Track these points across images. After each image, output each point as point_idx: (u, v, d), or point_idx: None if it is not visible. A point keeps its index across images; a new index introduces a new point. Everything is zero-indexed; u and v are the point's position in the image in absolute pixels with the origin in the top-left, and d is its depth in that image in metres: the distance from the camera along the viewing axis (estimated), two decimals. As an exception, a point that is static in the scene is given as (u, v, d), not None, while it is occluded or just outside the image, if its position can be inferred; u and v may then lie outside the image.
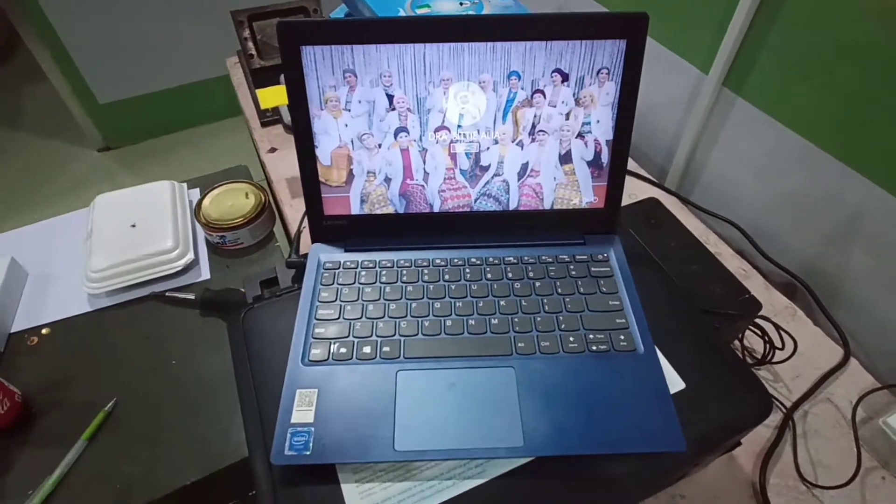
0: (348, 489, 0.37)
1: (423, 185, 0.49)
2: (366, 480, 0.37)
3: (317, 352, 0.42)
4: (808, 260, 0.68)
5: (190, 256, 0.76)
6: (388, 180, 0.49)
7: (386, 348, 0.42)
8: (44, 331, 0.70)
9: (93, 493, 0.57)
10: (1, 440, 0.60)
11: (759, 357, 0.57)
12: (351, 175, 0.48)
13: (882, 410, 0.54)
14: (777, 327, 0.55)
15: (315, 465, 0.37)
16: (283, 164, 0.86)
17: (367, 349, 0.42)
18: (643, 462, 0.37)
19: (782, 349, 0.55)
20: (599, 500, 0.37)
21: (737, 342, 0.58)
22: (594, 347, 0.42)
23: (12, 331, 0.70)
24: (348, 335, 0.43)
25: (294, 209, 0.80)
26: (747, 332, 0.59)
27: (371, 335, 0.43)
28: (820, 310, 0.64)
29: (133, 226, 0.76)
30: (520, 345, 0.42)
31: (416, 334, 0.43)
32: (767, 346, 0.56)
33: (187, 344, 0.69)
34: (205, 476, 0.58)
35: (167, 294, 0.73)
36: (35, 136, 2.11)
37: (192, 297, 0.72)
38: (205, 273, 0.77)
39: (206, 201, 0.80)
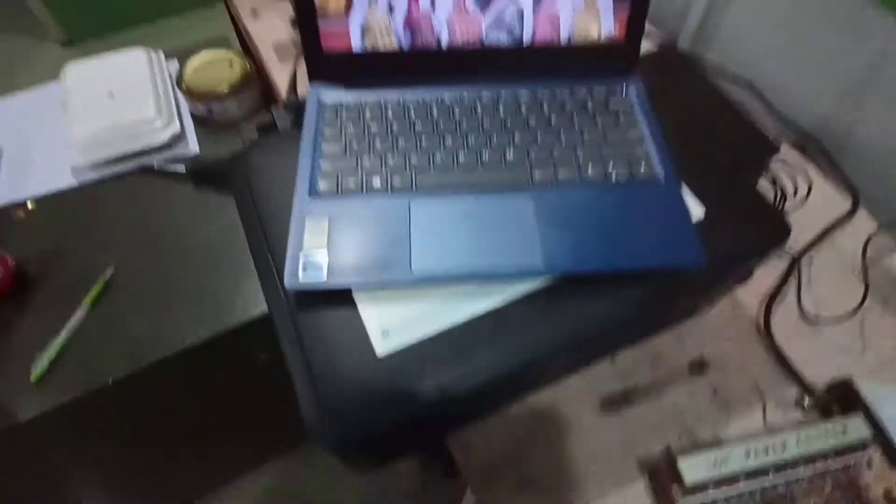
0: (366, 312, 0.36)
1: (429, 14, 0.44)
2: (383, 301, 0.36)
3: (324, 185, 0.40)
4: (822, 116, 0.65)
5: (175, 127, 0.71)
6: (391, 8, 0.44)
7: (396, 181, 0.40)
8: (30, 205, 0.67)
9: (102, 354, 0.57)
10: (1, 307, 0.59)
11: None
12: (350, 2, 0.44)
13: (887, 255, 0.55)
14: (791, 170, 0.54)
15: (331, 289, 0.36)
16: (268, 29, 0.79)
17: (377, 182, 0.40)
18: (663, 280, 0.37)
19: (795, 196, 0.55)
20: (619, 319, 0.37)
21: (747, 195, 0.57)
22: (614, 176, 0.41)
23: (-4, 205, 0.67)
24: (356, 169, 0.41)
25: (285, 73, 0.74)
26: (760, 182, 0.58)
27: (380, 169, 0.41)
28: (831, 164, 0.63)
29: (111, 95, 0.71)
30: (537, 175, 0.41)
31: (428, 167, 0.41)
32: (779, 195, 0.55)
33: (182, 216, 0.67)
34: (214, 335, 0.58)
35: (156, 167, 0.70)
36: (-11, 31, 1.94)
37: (183, 170, 0.69)
38: (193, 147, 0.73)
39: (187, 70, 0.74)
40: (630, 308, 0.37)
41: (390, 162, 0.41)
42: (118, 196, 0.68)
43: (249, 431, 0.93)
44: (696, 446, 0.45)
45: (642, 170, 0.41)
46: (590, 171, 0.41)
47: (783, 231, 0.40)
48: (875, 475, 0.42)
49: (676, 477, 0.41)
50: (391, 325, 0.36)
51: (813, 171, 0.63)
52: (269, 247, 0.39)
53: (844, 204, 0.60)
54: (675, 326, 0.52)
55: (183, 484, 1.01)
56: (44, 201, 0.67)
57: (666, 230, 0.38)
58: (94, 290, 0.60)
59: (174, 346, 0.57)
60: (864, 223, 0.59)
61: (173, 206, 0.68)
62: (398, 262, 0.36)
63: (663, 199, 0.39)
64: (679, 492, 0.41)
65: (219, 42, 0.81)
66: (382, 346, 0.35)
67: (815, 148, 0.64)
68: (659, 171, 0.41)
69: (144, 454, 0.78)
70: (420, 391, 0.33)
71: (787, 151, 0.64)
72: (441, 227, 0.38)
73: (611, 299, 0.37)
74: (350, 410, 0.33)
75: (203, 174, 0.68)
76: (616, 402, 0.48)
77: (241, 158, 0.44)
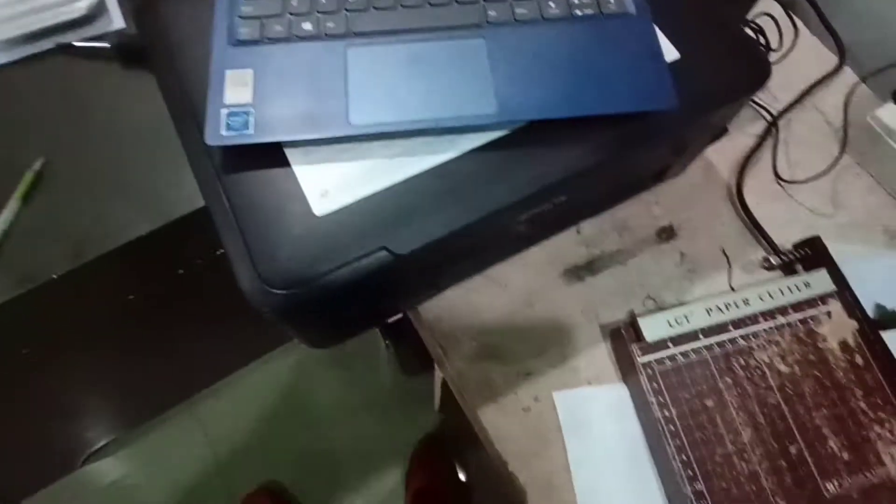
0: (301, 170, 0.33)
1: None
2: (321, 160, 0.33)
3: (246, 31, 0.35)
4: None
5: (92, -3, 0.62)
6: None
7: (330, 24, 0.35)
8: (-64, 91, 0.60)
9: (40, 249, 0.53)
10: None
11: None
12: None
13: (868, 111, 0.52)
14: (777, 17, 0.49)
15: (259, 144, 0.32)
16: None
17: (307, 26, 0.35)
18: (632, 125, 0.34)
19: (777, 50, 0.50)
20: (583, 170, 0.34)
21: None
22: (578, 11, 0.36)
23: None
24: (282, 12, 0.35)
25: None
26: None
27: (310, 11, 0.35)
28: (818, 18, 0.58)
29: (9, -42, 0.61)
30: (491, 13, 0.35)
31: (366, 8, 0.36)
32: (762, 47, 0.51)
33: (113, 98, 0.60)
34: (159, 227, 0.55)
35: (76, 45, 0.62)
36: None
37: (108, 46, 0.61)
38: (118, 21, 0.64)
39: (96, -74, 0.63)
40: (595, 158, 0.34)
41: (322, 2, 0.36)
42: (37, 79, 0.61)
43: (224, 331, 0.92)
44: (660, 309, 0.44)
45: (611, 4, 0.36)
46: (551, 6, 0.36)
47: (763, 71, 0.37)
48: (832, 327, 0.42)
49: (637, 336, 0.41)
50: (330, 183, 0.32)
51: (799, 26, 0.58)
52: (189, 103, 0.34)
53: (830, 61, 0.56)
54: (645, 193, 0.49)
55: (166, 385, 1.03)
56: (-50, 87, 0.60)
57: (635, 69, 0.34)
58: (24, 184, 0.55)
59: (117, 239, 0.54)
60: (848, 81, 0.55)
61: (103, 89, 0.61)
62: (334, 115, 0.32)
63: (633, 35, 0.35)
64: (639, 350, 0.41)
65: None
66: (321, 205, 0.32)
67: (805, 4, 0.59)
68: (629, 4, 0.36)
69: (113, 355, 0.77)
70: (362, 251, 0.31)
71: (772, 5, 0.59)
72: (382, 74, 0.34)
73: (573, 149, 0.34)
74: (288, 273, 0.30)
75: (131, 50, 0.61)
76: (580, 271, 0.47)
77: (150, 8, 0.37)
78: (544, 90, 0.33)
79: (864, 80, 0.48)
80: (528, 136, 0.34)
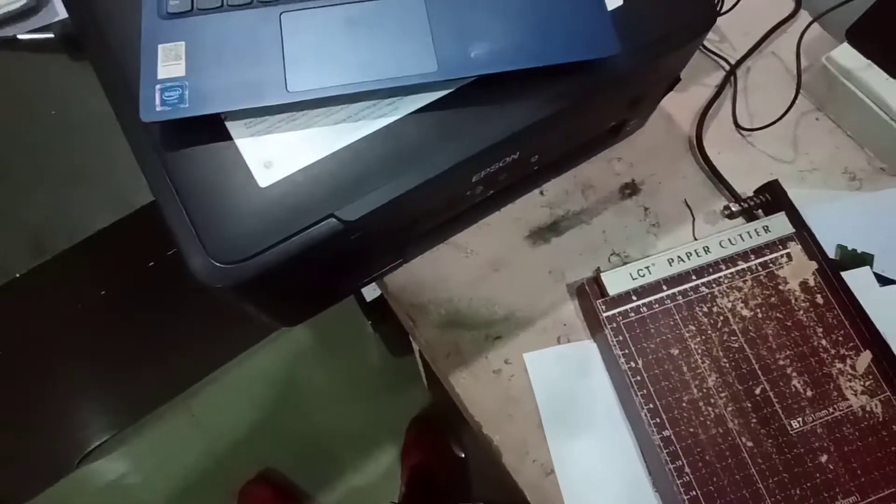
0: (243, 143, 0.32)
1: None
2: (263, 133, 0.32)
3: (176, 2, 0.34)
4: None
5: (32, -14, 0.60)
6: None
7: (263, -9, 0.34)
8: None
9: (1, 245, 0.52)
10: None
11: (707, 12, 0.51)
12: None
13: (824, 54, 0.52)
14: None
15: (198, 118, 0.31)
16: None
17: (239, -6, 0.34)
18: (577, 76, 0.33)
19: (733, -4, 0.50)
20: (530, 122, 0.33)
21: None
22: (517, -39, 0.35)
23: None
24: (213, -19, 0.34)
25: None
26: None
27: (242, -22, 0.34)
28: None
29: (-59, -50, 0.59)
30: (428, -31, 0.35)
31: (300, -28, 0.35)
32: (716, -4, 0.50)
33: (62, 90, 0.59)
34: (121, 218, 0.54)
35: (20, 38, 0.60)
36: None
37: (52, 37, 0.59)
38: (62, 10, 0.62)
39: (30, -88, 0.61)
40: (542, 112, 0.33)
41: (254, -31, 0.35)
42: (-18, 74, 0.59)
43: (209, 324, 0.92)
44: (625, 264, 0.44)
45: (550, -48, 0.35)
46: (490, -42, 0.35)
47: (708, 16, 0.36)
48: (792, 269, 0.42)
49: (602, 292, 0.41)
50: (273, 154, 0.32)
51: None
52: (123, 75, 0.33)
53: (787, 6, 0.55)
54: (606, 150, 0.49)
55: (155, 381, 1.03)
56: None
57: (576, 19, 0.33)
58: (-24, 178, 0.54)
59: (79, 233, 0.53)
60: (805, 24, 0.55)
61: (50, 79, 0.59)
62: (271, 82, 0.32)
63: (573, -16, 0.34)
64: (603, 305, 0.41)
65: None
66: (265, 177, 0.31)
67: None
68: (569, -48, 0.35)
69: (96, 353, 0.77)
70: (311, 220, 0.30)
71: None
72: (318, 39, 0.33)
73: (519, 104, 0.33)
74: (236, 247, 0.30)
75: (77, 40, 0.59)
76: (545, 232, 0.47)
77: (76, -13, 0.36)
78: (485, 45, 0.33)
79: (816, 19, 0.48)
80: (473, 93, 0.33)
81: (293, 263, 0.31)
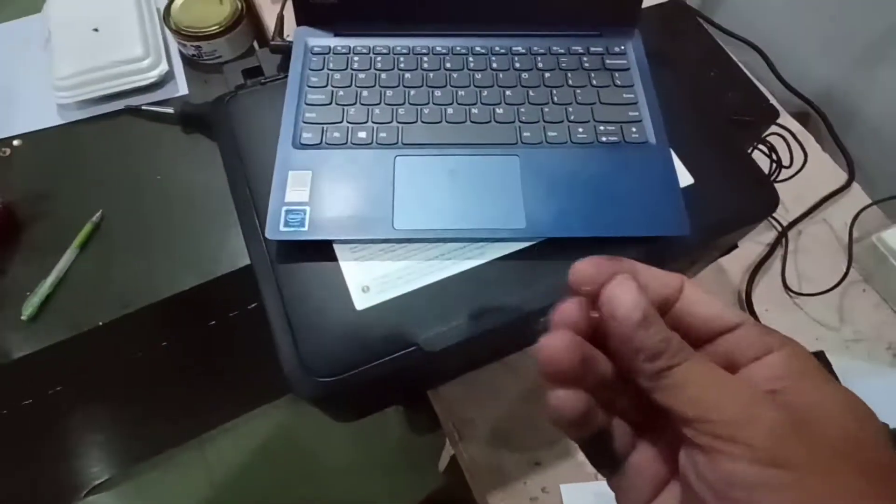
0: (347, 266, 0.36)
1: (423, -44, 0.42)
2: (365, 259, 0.36)
3: (308, 135, 0.39)
4: (829, 86, 0.64)
5: (164, 67, 0.69)
6: (382, -52, 0.42)
7: (383, 134, 0.40)
8: (15, 142, 0.66)
9: (91, 297, 0.57)
10: (-10, 247, 0.59)
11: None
12: (339, -60, 0.41)
13: (875, 231, 0.55)
14: (790, 138, 0.53)
15: (312, 241, 0.36)
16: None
17: (362, 134, 0.40)
18: (646, 247, 0.37)
19: (789, 167, 0.54)
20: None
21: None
22: (604, 138, 0.40)
23: (-20, 142, 0.66)
24: (342, 120, 0.40)
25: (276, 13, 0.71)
26: (755, 153, 0.57)
27: (366, 121, 0.40)
28: (831, 136, 0.62)
29: (96, 30, 0.68)
30: (525, 134, 0.40)
31: (415, 121, 0.40)
32: (774, 165, 0.54)
33: (171, 159, 0.66)
34: (201, 283, 0.59)
35: (143, 108, 0.68)
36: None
37: (171, 111, 0.67)
38: (182, 88, 0.71)
39: (175, 6, 0.71)
40: (610, 273, 0.37)
41: (377, 114, 0.40)
42: (105, 137, 0.67)
43: (240, 377, 0.95)
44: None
45: (634, 133, 0.40)
46: (580, 132, 0.40)
47: (771, 202, 0.40)
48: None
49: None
50: (371, 280, 0.36)
51: (811, 143, 0.62)
52: (252, 196, 0.38)
53: (840, 178, 0.59)
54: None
55: (175, 425, 1.05)
56: (29, 139, 0.66)
57: (652, 196, 0.38)
58: (83, 234, 0.60)
59: (162, 292, 0.58)
60: (857, 198, 0.58)
61: (162, 150, 0.66)
62: (380, 218, 0.36)
63: (652, 165, 0.39)
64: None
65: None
66: (362, 300, 0.35)
67: (818, 118, 0.63)
68: (651, 135, 0.40)
69: (135, 396, 0.80)
70: (397, 347, 0.34)
71: (787, 119, 0.63)
72: (425, 183, 0.38)
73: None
74: (328, 363, 0.33)
75: (191, 117, 0.67)
76: (593, 364, 0.49)
77: (223, 104, 0.42)
78: (568, 210, 0.37)
79: (876, 203, 0.51)
80: (552, 248, 0.37)
81: (375, 383, 0.34)
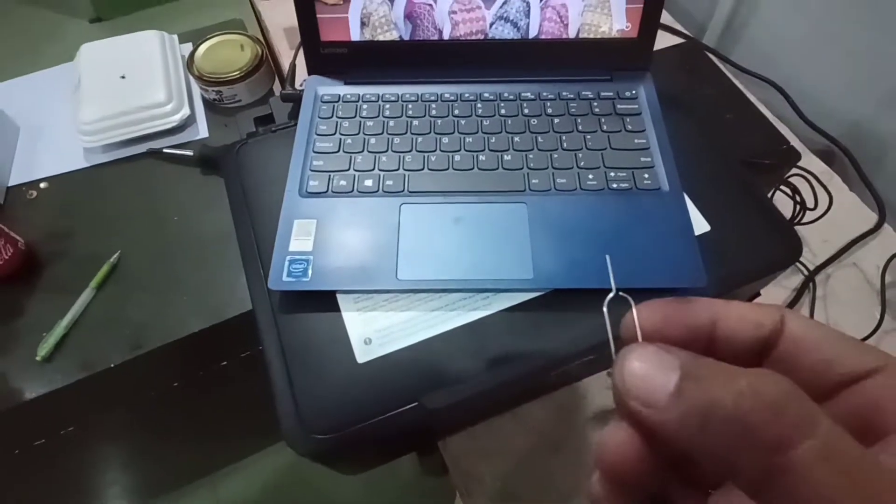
0: (350, 317, 0.35)
1: (431, 5, 0.43)
2: (368, 309, 0.36)
3: (315, 183, 0.39)
4: (854, 124, 0.62)
5: (185, 111, 0.71)
6: None
7: (389, 182, 0.39)
8: (42, 185, 0.68)
9: (104, 337, 0.58)
10: (9, 287, 0.60)
11: (789, 218, 0.53)
12: (350, -8, 0.42)
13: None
14: (813, 180, 0.51)
15: (315, 291, 0.35)
16: (281, 13, 0.78)
17: (368, 182, 0.39)
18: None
19: (814, 209, 0.52)
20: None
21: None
22: (615, 185, 0.39)
23: (10, 184, 0.68)
24: (349, 168, 0.40)
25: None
26: (777, 194, 0.55)
27: (373, 168, 0.40)
28: (858, 175, 0.59)
29: (122, 77, 0.71)
30: (534, 181, 0.39)
31: (422, 168, 0.40)
32: (798, 206, 0.52)
33: (188, 201, 0.67)
34: (211, 325, 0.59)
35: (165, 151, 0.70)
36: (22, 6, 1.98)
37: (191, 154, 0.69)
38: (203, 131, 0.73)
39: (198, 53, 0.73)
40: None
41: (384, 161, 0.40)
42: (127, 179, 0.69)
43: (251, 416, 0.94)
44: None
45: (646, 179, 0.39)
46: (590, 179, 0.39)
47: (793, 249, 0.38)
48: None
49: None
50: (374, 332, 0.35)
51: (837, 183, 0.59)
52: (257, 245, 0.38)
53: (869, 220, 0.57)
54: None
55: (186, 463, 1.04)
56: (55, 182, 0.68)
57: (666, 245, 0.36)
58: (101, 274, 0.61)
59: (175, 333, 0.58)
60: (889, 240, 0.56)
61: (180, 192, 0.68)
62: (384, 270, 0.36)
63: (665, 212, 0.37)
64: None
65: (235, 25, 0.81)
66: (364, 353, 0.34)
67: (844, 158, 0.61)
68: (663, 181, 0.39)
69: (147, 434, 0.80)
70: (399, 403, 0.33)
71: (811, 159, 0.61)
72: (431, 232, 0.37)
73: (599, 318, 0.35)
74: (326, 419, 0.32)
75: (210, 159, 0.68)
76: (609, 416, 0.47)
77: (234, 152, 0.43)
78: (578, 260, 0.36)
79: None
80: (557, 300, 0.36)
81: (376, 440, 0.33)
